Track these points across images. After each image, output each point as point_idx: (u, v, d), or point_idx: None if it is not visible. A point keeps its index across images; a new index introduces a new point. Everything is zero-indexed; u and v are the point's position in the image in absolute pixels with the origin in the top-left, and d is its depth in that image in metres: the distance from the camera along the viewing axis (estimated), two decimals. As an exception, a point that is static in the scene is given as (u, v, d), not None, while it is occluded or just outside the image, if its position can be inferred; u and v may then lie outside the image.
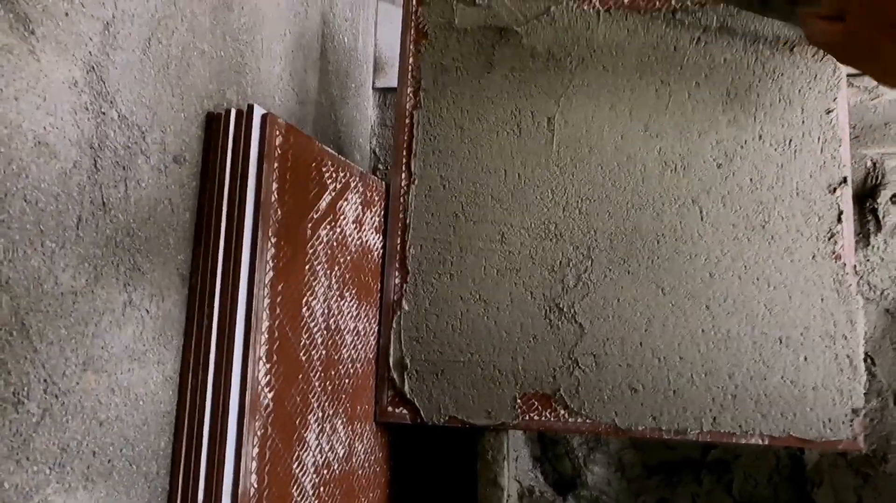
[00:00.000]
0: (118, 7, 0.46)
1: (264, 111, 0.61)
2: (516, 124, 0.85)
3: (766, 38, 0.84)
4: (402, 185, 0.84)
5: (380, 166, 1.24)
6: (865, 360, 1.01)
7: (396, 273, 0.83)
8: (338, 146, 1.06)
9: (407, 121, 0.86)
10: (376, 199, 0.82)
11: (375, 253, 0.82)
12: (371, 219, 0.81)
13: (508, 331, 0.81)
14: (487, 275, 0.82)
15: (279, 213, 0.61)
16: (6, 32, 0.36)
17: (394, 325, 0.82)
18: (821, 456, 0.97)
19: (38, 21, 0.38)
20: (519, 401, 0.79)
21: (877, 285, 1.04)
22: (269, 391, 0.59)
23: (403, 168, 0.85)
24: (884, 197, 1.01)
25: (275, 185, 0.61)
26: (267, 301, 0.59)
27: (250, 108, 0.60)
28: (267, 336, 0.59)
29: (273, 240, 0.60)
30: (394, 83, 1.24)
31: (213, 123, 0.60)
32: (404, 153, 0.85)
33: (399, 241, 0.83)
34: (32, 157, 0.38)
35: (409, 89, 0.87)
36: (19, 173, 0.38)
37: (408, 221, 0.84)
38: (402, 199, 0.84)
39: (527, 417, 0.79)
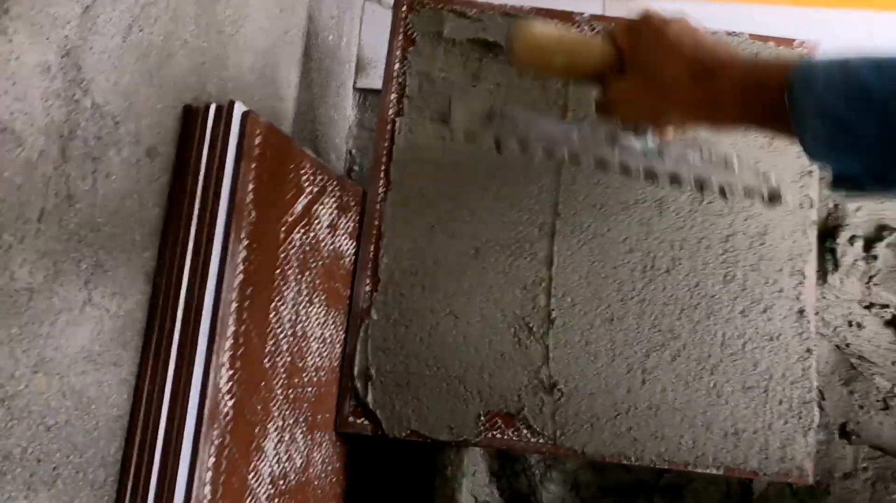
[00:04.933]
0: (100, -10, 0.44)
1: (246, 108, 0.58)
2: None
3: None
4: (380, 191, 0.83)
5: (355, 167, 1.22)
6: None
7: (367, 281, 0.81)
8: (314, 146, 1.04)
9: (388, 127, 0.85)
10: (352, 204, 0.81)
11: (348, 259, 0.80)
12: (346, 224, 0.79)
13: (477, 347, 0.80)
14: (459, 290, 0.81)
15: (253, 214, 0.59)
16: (-23, 10, 0.34)
17: (361, 334, 0.80)
18: (768, 485, 1.00)
19: (12, -1, 0.36)
20: (482, 418, 0.79)
21: (830, 322, 1.07)
22: (230, 399, 0.57)
23: (381, 175, 0.83)
24: (843, 237, 1.05)
25: (251, 186, 0.59)
26: (234, 305, 0.57)
27: (231, 103, 0.58)
28: (232, 341, 0.57)
29: (245, 242, 0.58)
30: (375, 84, 1.23)
31: (190, 117, 0.58)
32: (383, 159, 0.84)
33: (372, 249, 0.82)
34: (-4, 144, 0.36)
35: (394, 95, 0.85)
36: (-20, 161, 0.35)
37: (382, 229, 0.82)
38: (378, 206, 0.83)
39: (489, 435, 0.78)
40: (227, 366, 0.56)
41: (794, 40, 0.88)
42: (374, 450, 0.90)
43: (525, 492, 1.01)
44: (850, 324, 1.07)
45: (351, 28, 1.21)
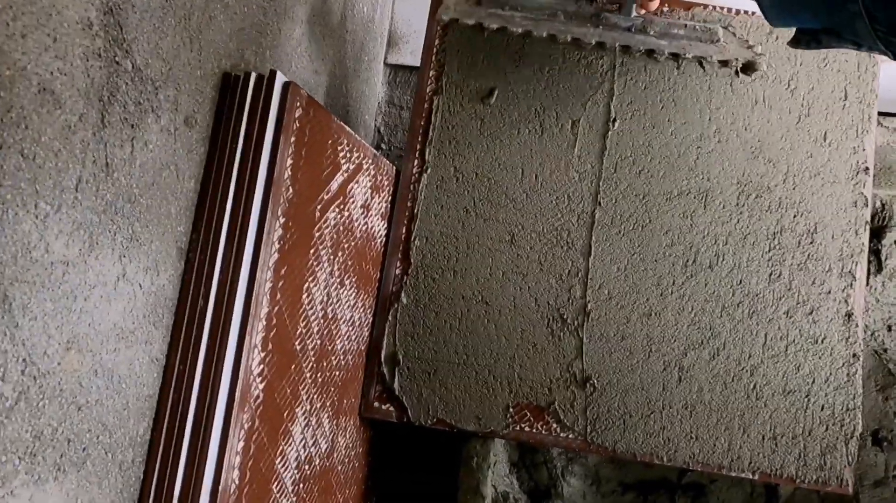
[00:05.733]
0: (145, -56, 0.41)
1: (287, 79, 0.55)
2: (539, 123, 0.81)
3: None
4: (414, 172, 0.80)
5: (382, 145, 1.19)
6: (850, 400, 1.01)
7: (398, 264, 0.79)
8: (345, 121, 1.00)
9: (426, 105, 0.81)
10: (385, 184, 0.78)
11: (379, 240, 0.78)
12: (378, 204, 0.77)
13: (508, 336, 0.78)
14: (493, 277, 0.79)
15: (290, 191, 0.57)
16: (20, -43, 0.31)
17: (389, 318, 0.78)
18: (795, 490, 0.98)
19: (57, -52, 0.33)
20: (511, 409, 0.76)
21: (869, 326, 1.04)
22: (261, 382, 0.55)
23: (416, 155, 0.80)
24: (889, 239, 1.01)
25: (289, 161, 0.56)
26: (269, 285, 0.55)
27: (272, 73, 0.54)
28: (265, 323, 0.55)
29: (282, 219, 0.56)
30: (407, 60, 1.19)
31: (229, 85, 0.55)
32: (419, 139, 0.81)
33: (404, 231, 0.79)
34: (35, 106, 0.33)
35: (432, 72, 0.82)
36: (18, 123, 0.33)
37: (416, 211, 0.79)
38: (411, 188, 0.80)
39: (517, 427, 0.76)
40: (260, 348, 0.54)
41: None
42: (398, 437, 0.88)
43: (545, 485, 0.99)
44: (889, 328, 1.04)
45: (382, 2, 1.17)
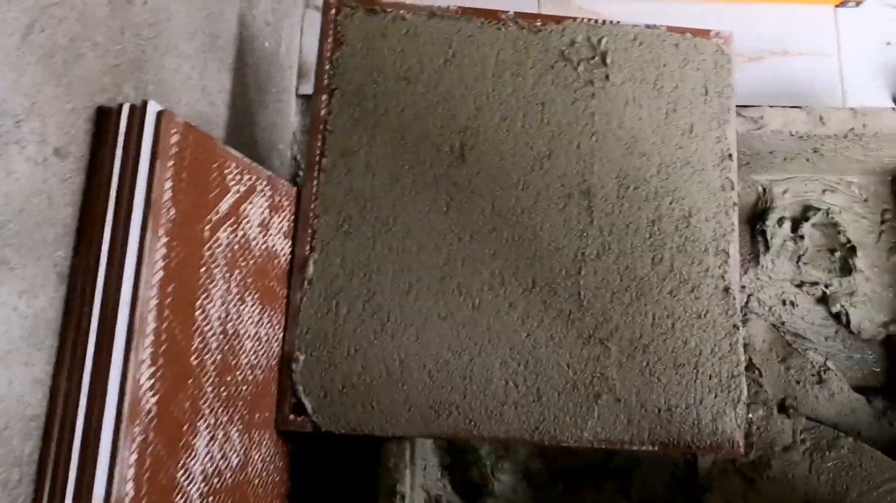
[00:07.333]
0: (-7, -10, 0.45)
1: (160, 108, 0.59)
2: (430, 143, 0.85)
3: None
4: (313, 192, 0.84)
5: (300, 173, 1.23)
6: (753, 372, 1.08)
7: (304, 281, 0.82)
8: (254, 150, 1.04)
9: (320, 127, 0.86)
10: (286, 203, 0.82)
11: (283, 258, 0.81)
12: (279, 223, 0.80)
13: (409, 346, 0.81)
14: (395, 291, 0.82)
15: (172, 212, 0.60)
16: None
17: (298, 332, 0.81)
18: (712, 463, 1.03)
19: None
20: (414, 411, 0.79)
21: (765, 301, 1.11)
22: (153, 395, 0.57)
23: (315, 176, 0.84)
24: (772, 219, 1.09)
25: (168, 184, 0.59)
26: (154, 302, 0.57)
27: (144, 103, 0.58)
28: (153, 338, 0.57)
29: (164, 239, 0.59)
30: (317, 90, 1.24)
31: (104, 118, 0.58)
32: (317, 159, 0.85)
33: (307, 249, 0.83)
34: None
35: (325, 96, 0.87)
36: None
37: (317, 230, 0.83)
38: (312, 207, 0.84)
39: (433, 426, 0.79)
40: (149, 362, 0.57)
41: (710, 31, 0.92)
42: (326, 448, 0.90)
43: (477, 484, 1.02)
44: (784, 302, 1.12)
45: (291, 35, 1.22)
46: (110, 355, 0.54)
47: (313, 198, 0.84)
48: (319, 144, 0.86)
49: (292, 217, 0.83)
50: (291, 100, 1.23)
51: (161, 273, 0.58)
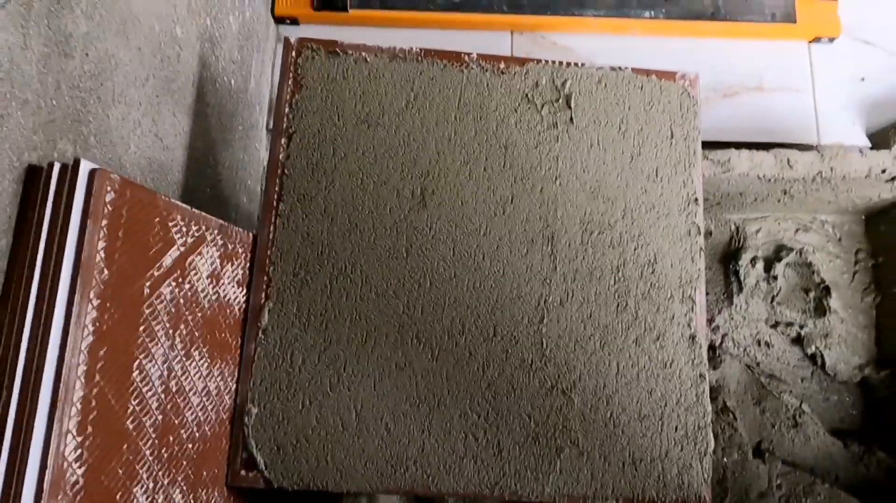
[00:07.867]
0: None
1: (93, 166, 0.57)
2: (390, 188, 0.84)
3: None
4: (269, 238, 0.82)
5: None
6: (728, 415, 1.05)
7: (258, 331, 0.80)
8: (218, 190, 1.02)
9: (278, 170, 0.84)
10: (240, 251, 0.80)
11: (237, 307, 0.79)
12: (233, 272, 0.78)
13: (366, 397, 0.79)
14: (352, 340, 0.80)
15: (106, 273, 0.58)
16: None
17: (251, 384, 0.78)
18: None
19: None
20: (371, 465, 0.77)
21: (740, 342, 1.09)
22: (80, 467, 0.55)
23: (271, 221, 0.83)
24: (745, 259, 1.07)
25: (101, 244, 0.57)
26: (83, 368, 0.55)
27: (77, 161, 0.56)
28: (80, 407, 0.55)
29: (96, 302, 0.57)
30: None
31: (33, 178, 0.56)
32: (274, 204, 0.83)
33: (262, 298, 0.81)
34: None
35: (283, 139, 0.85)
36: None
37: (272, 277, 0.81)
38: (268, 253, 0.82)
39: (388, 483, 0.77)
40: (75, 433, 0.54)
41: (675, 73, 0.91)
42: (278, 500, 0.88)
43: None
44: (758, 343, 1.09)
45: (261, 70, 1.21)
46: (31, 427, 0.51)
47: (269, 244, 0.82)
48: (277, 189, 0.84)
49: (247, 265, 0.81)
50: (261, 135, 1.22)
51: (91, 338, 0.56)
